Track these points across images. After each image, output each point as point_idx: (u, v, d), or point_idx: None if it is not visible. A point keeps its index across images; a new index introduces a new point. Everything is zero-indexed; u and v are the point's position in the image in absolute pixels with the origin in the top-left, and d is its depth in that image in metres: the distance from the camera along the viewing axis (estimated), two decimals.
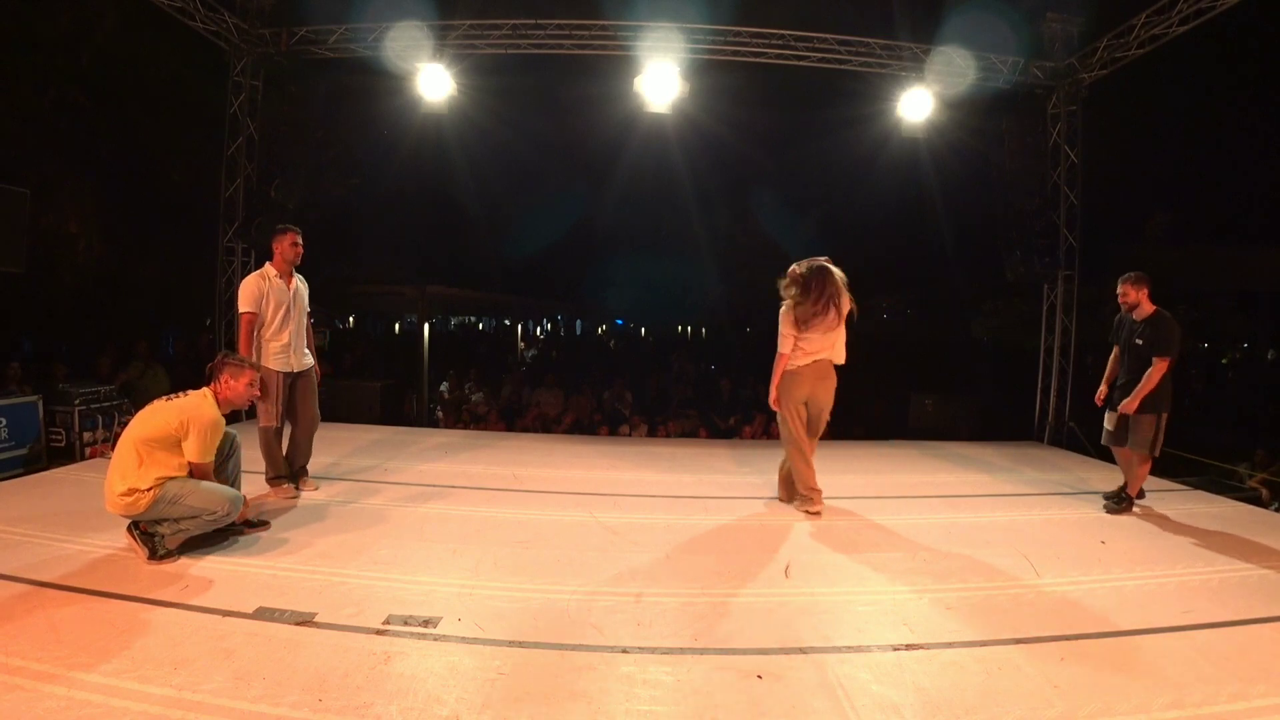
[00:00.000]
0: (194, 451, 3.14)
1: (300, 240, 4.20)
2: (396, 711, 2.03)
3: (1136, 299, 4.38)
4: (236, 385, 3.31)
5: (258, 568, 3.05)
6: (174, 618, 2.54)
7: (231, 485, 3.47)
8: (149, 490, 3.06)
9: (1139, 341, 4.34)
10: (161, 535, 3.08)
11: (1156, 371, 4.21)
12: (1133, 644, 2.58)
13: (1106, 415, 4.57)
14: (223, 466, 3.42)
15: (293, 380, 4.21)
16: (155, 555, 3.04)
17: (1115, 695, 2.22)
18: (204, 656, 2.27)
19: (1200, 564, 3.46)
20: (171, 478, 3.12)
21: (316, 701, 2.06)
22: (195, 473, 3.20)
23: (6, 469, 4.90)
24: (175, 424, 3.12)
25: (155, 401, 3.26)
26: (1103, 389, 4.68)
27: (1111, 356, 4.68)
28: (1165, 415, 4.31)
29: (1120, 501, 4.47)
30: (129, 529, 3.11)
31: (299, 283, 4.27)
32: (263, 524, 3.57)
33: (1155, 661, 2.45)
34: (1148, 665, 2.42)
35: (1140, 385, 4.25)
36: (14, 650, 2.26)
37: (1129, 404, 4.29)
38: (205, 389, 3.30)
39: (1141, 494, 4.58)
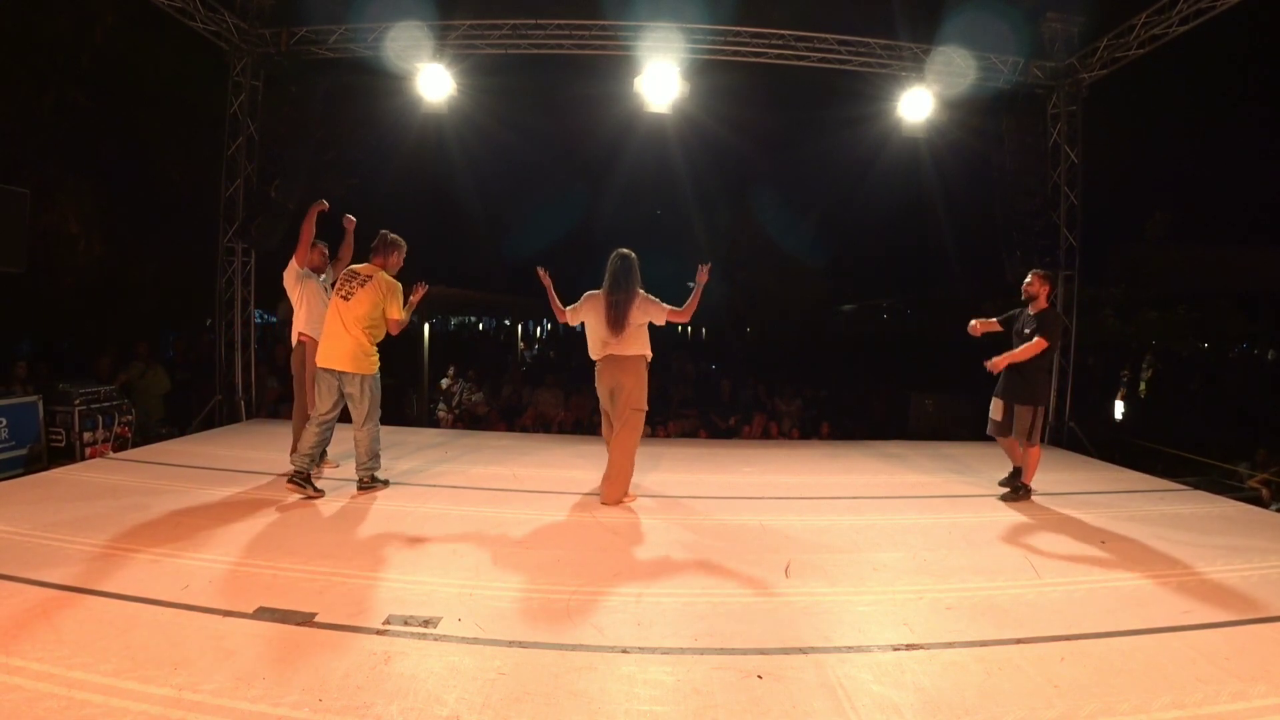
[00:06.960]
0: (398, 310, 4.06)
1: (326, 250, 4.87)
2: (397, 711, 2.03)
3: (1037, 292, 4.59)
4: (401, 258, 4.14)
5: (258, 568, 3.05)
6: (174, 618, 2.54)
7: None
8: (375, 359, 4.09)
9: (1027, 331, 4.56)
10: (312, 476, 4.12)
11: (1032, 346, 4.43)
12: (1133, 644, 2.58)
13: (993, 404, 4.75)
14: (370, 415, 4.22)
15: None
16: (362, 485, 4.24)
17: (1115, 695, 2.23)
18: (204, 656, 2.27)
19: (1200, 564, 3.46)
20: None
21: (316, 701, 2.06)
22: (394, 329, 4.11)
23: (6, 469, 4.91)
24: (378, 298, 3.96)
25: (337, 292, 3.99)
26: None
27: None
28: (1043, 408, 4.60)
29: (1017, 491, 4.65)
30: (293, 481, 4.05)
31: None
32: (382, 483, 4.41)
33: (1155, 661, 2.45)
34: (1148, 665, 2.42)
35: (1014, 353, 4.50)
36: (14, 650, 2.26)
37: (997, 362, 4.55)
38: (371, 265, 4.04)
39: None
